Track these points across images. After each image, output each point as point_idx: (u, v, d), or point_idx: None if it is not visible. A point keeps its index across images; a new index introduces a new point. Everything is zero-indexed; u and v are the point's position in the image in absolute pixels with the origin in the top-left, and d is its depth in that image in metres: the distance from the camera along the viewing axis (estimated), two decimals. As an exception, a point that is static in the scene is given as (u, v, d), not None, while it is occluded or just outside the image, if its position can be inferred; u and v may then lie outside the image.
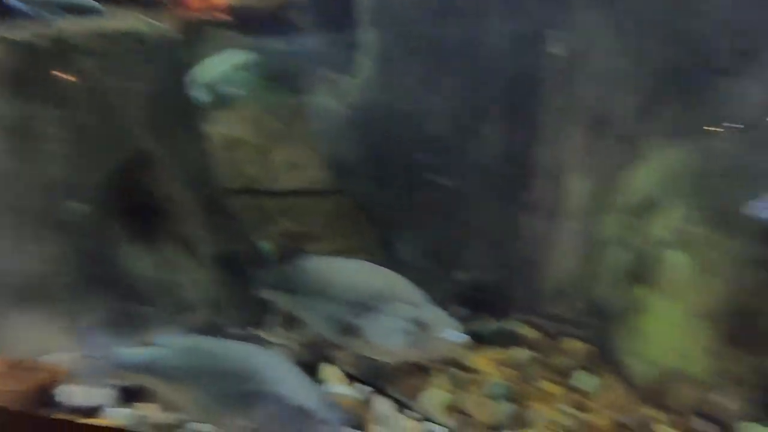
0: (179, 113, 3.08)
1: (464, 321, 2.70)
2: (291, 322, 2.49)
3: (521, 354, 2.15)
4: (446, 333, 1.68)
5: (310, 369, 2.55)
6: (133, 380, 2.07)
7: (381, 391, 2.29)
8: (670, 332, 1.97)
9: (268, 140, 4.42)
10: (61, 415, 2.07)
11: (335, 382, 2.36)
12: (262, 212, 4.61)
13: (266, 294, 2.17)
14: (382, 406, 2.20)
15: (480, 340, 2.43)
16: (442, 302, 2.91)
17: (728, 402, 1.74)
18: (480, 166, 2.60)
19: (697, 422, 1.79)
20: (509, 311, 2.66)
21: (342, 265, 2.03)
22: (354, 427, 2.02)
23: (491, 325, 2.49)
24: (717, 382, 1.77)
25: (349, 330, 1.80)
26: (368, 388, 2.28)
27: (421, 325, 1.69)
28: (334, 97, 3.13)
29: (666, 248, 2.02)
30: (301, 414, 1.51)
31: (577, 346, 2.35)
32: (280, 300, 2.17)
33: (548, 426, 1.71)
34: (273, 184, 4.62)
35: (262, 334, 2.99)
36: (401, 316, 1.71)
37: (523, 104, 2.60)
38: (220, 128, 4.25)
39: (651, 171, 2.19)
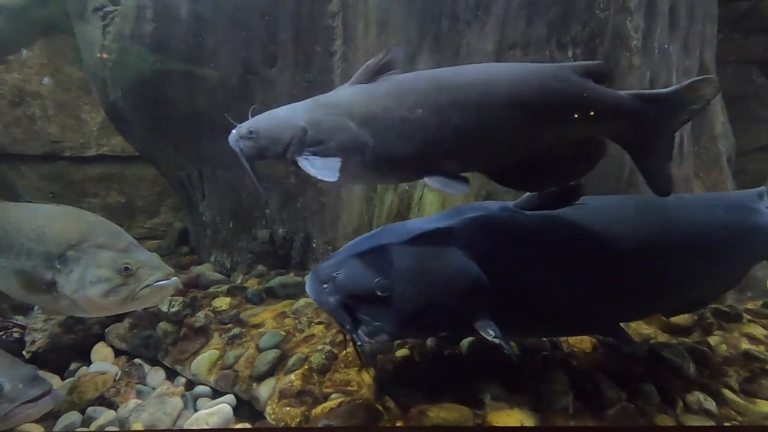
0: None
1: (262, 277, 2.64)
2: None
3: (301, 303, 2.14)
4: (156, 278, 1.54)
5: (79, 350, 2.24)
6: None
7: (152, 361, 2.10)
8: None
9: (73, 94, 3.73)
10: None
11: (103, 359, 2.09)
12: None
13: None
14: (152, 376, 2.02)
15: (271, 294, 2.38)
16: (243, 259, 2.81)
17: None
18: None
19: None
20: (303, 264, 2.65)
21: (28, 212, 1.74)
22: (108, 402, 1.81)
23: (285, 279, 2.44)
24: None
25: (41, 285, 1.55)
26: (137, 361, 2.07)
27: (127, 273, 1.54)
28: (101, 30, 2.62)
29: (420, 189, 2.17)
30: None
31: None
32: None
33: (306, 364, 1.71)
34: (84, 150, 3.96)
35: (21, 319, 2.52)
36: (104, 264, 1.53)
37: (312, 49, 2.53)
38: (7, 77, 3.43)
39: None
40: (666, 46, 2.08)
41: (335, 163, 1.23)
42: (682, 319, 1.90)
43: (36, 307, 2.41)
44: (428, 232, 1.34)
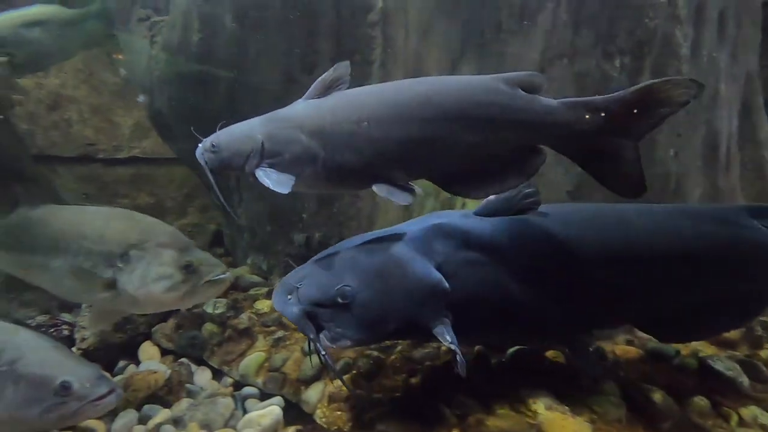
0: None
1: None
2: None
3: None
4: (216, 274, 1.64)
5: (127, 349, 2.32)
6: None
7: (198, 361, 2.16)
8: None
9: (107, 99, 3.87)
10: None
11: (150, 358, 2.16)
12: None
13: None
14: (199, 376, 2.08)
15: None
16: (280, 262, 2.86)
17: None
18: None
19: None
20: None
21: (85, 214, 1.82)
22: (162, 400, 1.88)
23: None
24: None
25: (100, 283, 1.63)
26: (184, 360, 2.14)
27: (189, 270, 1.63)
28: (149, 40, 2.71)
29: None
30: (49, 390, 1.40)
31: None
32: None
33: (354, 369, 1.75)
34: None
35: (68, 317, 2.62)
36: (167, 262, 1.60)
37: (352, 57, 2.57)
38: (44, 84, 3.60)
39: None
40: (714, 54, 2.06)
41: (289, 179, 1.34)
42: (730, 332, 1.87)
43: (84, 305, 2.51)
44: (389, 239, 1.38)
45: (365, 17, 2.56)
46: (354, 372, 1.76)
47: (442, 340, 1.23)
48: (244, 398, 1.90)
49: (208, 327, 2.21)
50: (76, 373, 1.45)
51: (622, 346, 1.85)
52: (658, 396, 1.51)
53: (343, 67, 1.41)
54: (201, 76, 2.57)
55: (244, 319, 2.22)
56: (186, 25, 2.57)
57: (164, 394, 1.89)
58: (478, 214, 1.42)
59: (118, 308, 1.79)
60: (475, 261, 1.31)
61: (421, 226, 1.41)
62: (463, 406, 1.45)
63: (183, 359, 2.16)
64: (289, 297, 1.31)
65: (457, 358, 1.19)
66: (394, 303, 1.28)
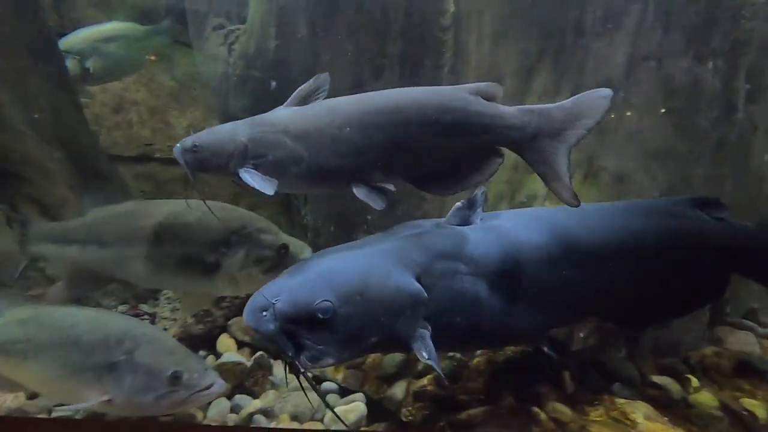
0: (42, 65, 2.64)
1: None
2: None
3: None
4: (304, 255, 1.80)
5: (206, 340, 2.43)
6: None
7: (275, 355, 2.24)
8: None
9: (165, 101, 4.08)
10: None
11: (227, 350, 2.27)
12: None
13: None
14: (277, 369, 2.16)
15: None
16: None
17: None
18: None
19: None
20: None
21: (184, 205, 1.96)
22: (249, 391, 1.97)
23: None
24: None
25: (203, 268, 1.78)
26: (262, 353, 2.22)
27: (284, 252, 1.77)
28: (225, 48, 2.83)
29: (541, 200, 2.17)
30: (162, 380, 1.49)
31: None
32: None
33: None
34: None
35: (146, 307, 2.78)
36: (267, 245, 1.76)
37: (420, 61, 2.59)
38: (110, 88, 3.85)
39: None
40: (814, 55, 1.96)
41: (273, 182, 1.47)
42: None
43: (163, 297, 2.65)
44: (366, 251, 1.39)
45: (436, 21, 2.58)
46: (436, 374, 1.79)
47: (420, 358, 1.23)
48: (325, 393, 1.97)
49: (284, 322, 2.29)
50: (186, 364, 1.55)
51: (712, 357, 1.81)
52: (761, 411, 1.47)
53: (322, 78, 1.59)
54: (276, 82, 2.65)
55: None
56: (263, 33, 2.66)
57: (250, 385, 1.99)
58: (449, 223, 1.50)
59: (214, 292, 1.93)
60: (453, 271, 1.33)
61: (398, 237, 1.44)
62: (557, 411, 1.46)
63: (261, 352, 2.25)
64: (264, 313, 1.21)
65: (438, 372, 1.22)
66: (375, 316, 1.24)
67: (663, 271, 1.45)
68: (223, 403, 1.87)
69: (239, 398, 1.89)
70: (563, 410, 1.45)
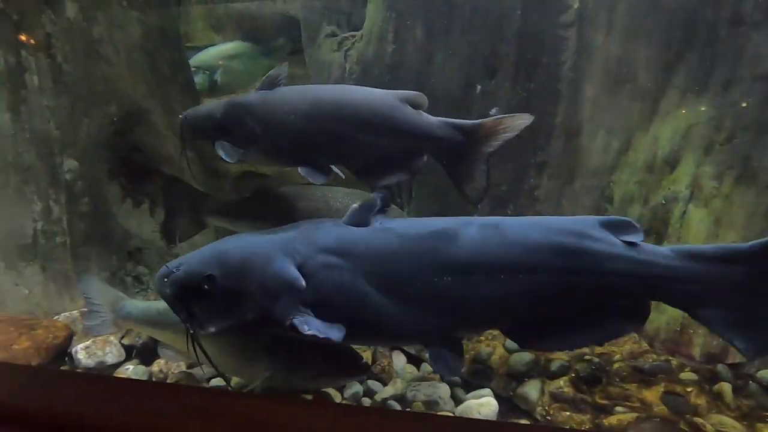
0: (176, 70, 2.96)
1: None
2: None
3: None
4: None
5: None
6: (139, 331, 2.10)
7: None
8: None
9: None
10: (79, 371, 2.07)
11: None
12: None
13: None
14: (395, 359, 2.24)
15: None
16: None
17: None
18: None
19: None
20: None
21: (329, 192, 2.12)
22: (377, 378, 2.07)
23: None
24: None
25: None
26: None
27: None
28: (340, 54, 3.01)
29: (683, 203, 2.04)
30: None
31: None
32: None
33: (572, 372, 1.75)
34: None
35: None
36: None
37: (537, 60, 2.56)
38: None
39: (671, 127, 2.18)
40: None
41: (238, 153, 1.76)
42: None
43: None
44: (259, 238, 1.51)
45: (557, 19, 2.53)
46: (572, 375, 1.77)
47: (301, 330, 1.31)
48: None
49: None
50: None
51: None
52: None
53: (282, 67, 1.81)
54: (392, 85, 2.76)
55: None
56: (381, 38, 2.78)
57: (378, 371, 2.09)
58: (346, 223, 1.54)
59: None
60: (333, 265, 1.41)
61: (292, 229, 1.55)
62: (725, 425, 1.38)
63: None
64: (165, 280, 1.44)
65: (332, 341, 1.30)
66: (252, 294, 1.39)
67: (560, 291, 1.37)
68: (356, 387, 1.98)
69: (371, 383, 2.00)
70: (733, 424, 1.37)
